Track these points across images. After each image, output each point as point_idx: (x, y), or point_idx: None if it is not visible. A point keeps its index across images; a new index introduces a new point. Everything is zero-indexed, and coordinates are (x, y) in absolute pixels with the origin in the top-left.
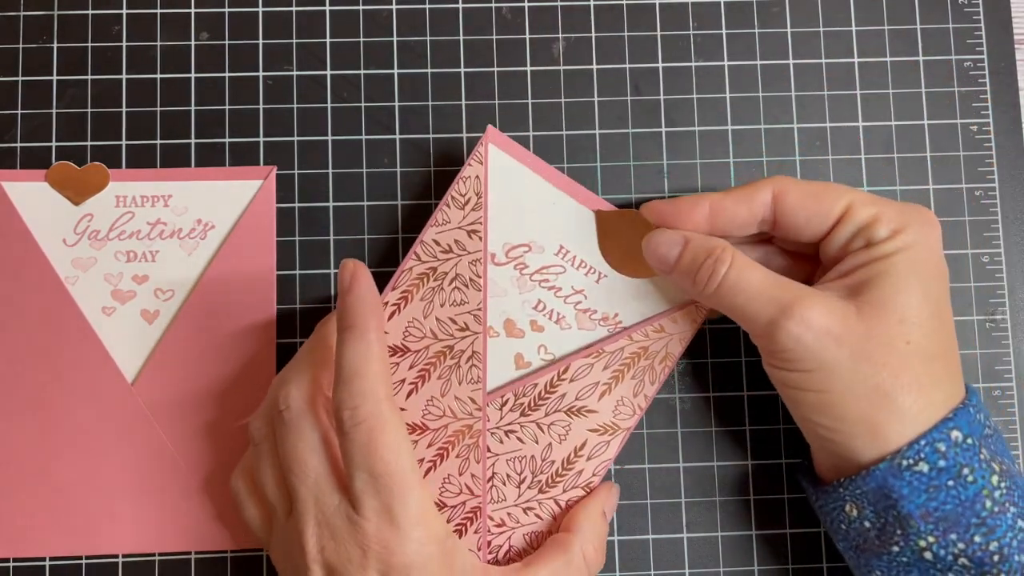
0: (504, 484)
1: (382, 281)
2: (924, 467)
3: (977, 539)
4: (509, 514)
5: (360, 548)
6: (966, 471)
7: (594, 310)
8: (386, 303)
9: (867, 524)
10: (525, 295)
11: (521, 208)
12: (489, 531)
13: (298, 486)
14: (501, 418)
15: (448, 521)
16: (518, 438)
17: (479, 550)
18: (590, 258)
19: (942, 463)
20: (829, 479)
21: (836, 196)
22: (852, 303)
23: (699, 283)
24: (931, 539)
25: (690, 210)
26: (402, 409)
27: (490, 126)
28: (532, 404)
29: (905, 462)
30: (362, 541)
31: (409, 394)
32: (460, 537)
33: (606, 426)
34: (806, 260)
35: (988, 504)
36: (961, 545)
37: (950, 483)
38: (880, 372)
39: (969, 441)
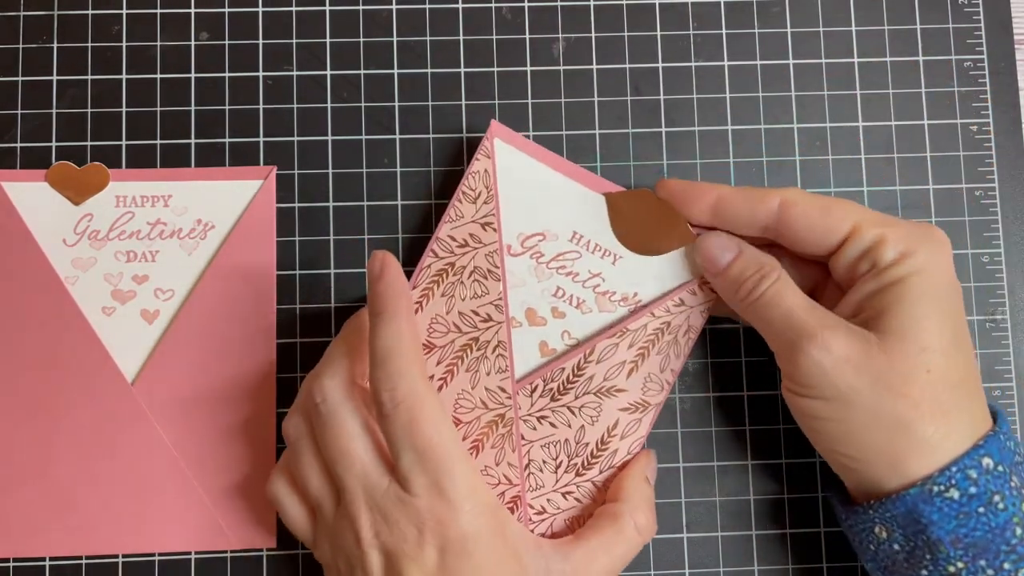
0: (541, 471)
1: None
2: (955, 493)
3: (1007, 566)
4: (549, 500)
5: (415, 527)
6: (997, 498)
7: (613, 291)
8: None
9: (896, 547)
10: (544, 283)
11: (532, 198)
12: (530, 519)
13: (344, 475)
14: (532, 405)
15: None
16: (551, 423)
17: None
18: (604, 241)
19: (973, 490)
20: (859, 500)
21: (843, 214)
22: (874, 333)
23: (741, 292)
24: (960, 564)
25: (700, 195)
26: None
27: (494, 121)
28: (561, 388)
29: (936, 488)
30: (417, 519)
31: (439, 389)
32: None
33: (636, 404)
34: (816, 269)
35: (1018, 531)
36: (990, 572)
37: (980, 510)
38: (900, 402)
39: (1000, 468)
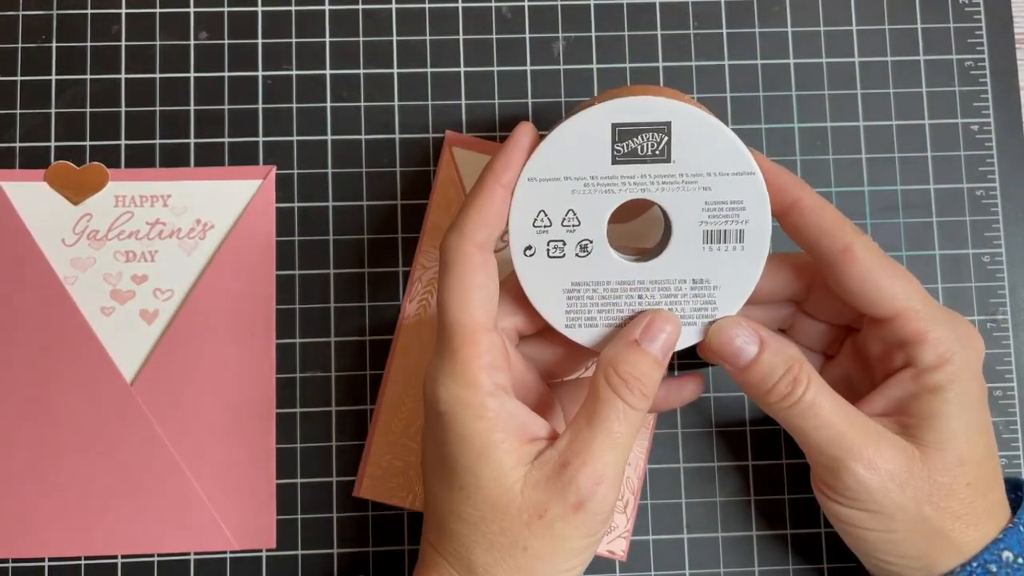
0: None
1: (384, 285)
2: None
3: None
4: None
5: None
6: None
7: None
8: (407, 316)
9: None
10: None
11: None
12: None
13: None
14: None
15: None
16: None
17: None
18: None
19: None
20: None
21: (900, 290)
22: (915, 446)
23: (770, 397)
24: None
25: (782, 187)
26: None
27: (448, 131)
28: None
29: None
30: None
31: None
32: None
33: None
34: (830, 328)
35: None
36: None
37: None
38: (942, 514)
39: (1020, 561)
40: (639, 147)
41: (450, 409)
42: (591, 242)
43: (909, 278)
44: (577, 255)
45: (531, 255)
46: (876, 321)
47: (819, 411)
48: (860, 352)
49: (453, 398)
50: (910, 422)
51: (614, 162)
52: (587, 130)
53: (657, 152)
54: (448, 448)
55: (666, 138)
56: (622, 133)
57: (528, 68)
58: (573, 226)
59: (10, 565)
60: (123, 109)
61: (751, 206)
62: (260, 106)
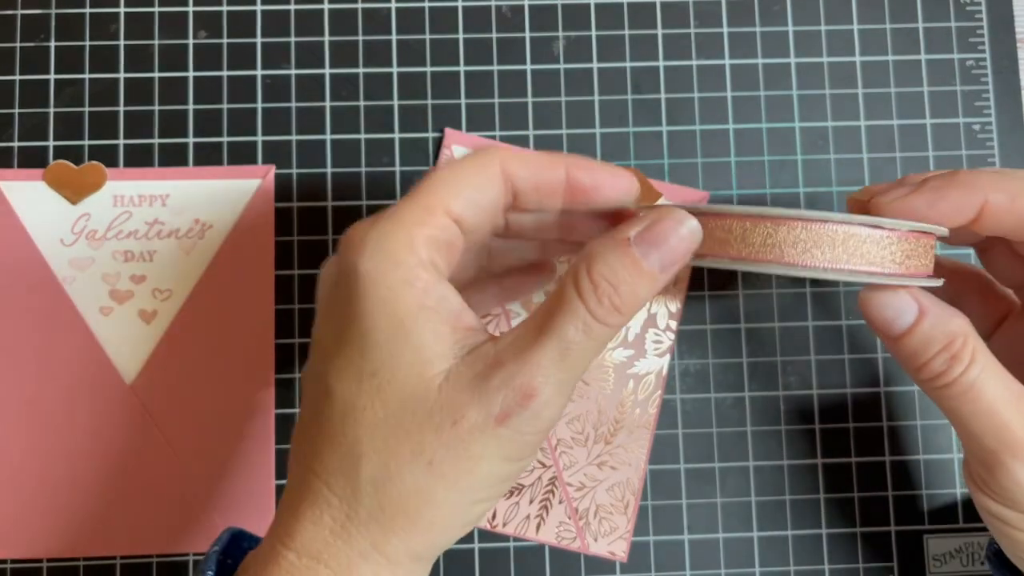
0: (571, 448)
1: None
2: None
3: None
4: (585, 474)
5: None
6: None
7: None
8: None
9: None
10: None
11: None
12: (572, 497)
13: None
14: None
15: (531, 501)
16: (568, 399)
17: (569, 519)
18: None
19: None
20: None
21: None
22: None
23: (923, 373)
24: None
25: (958, 194)
26: None
27: (447, 128)
28: None
29: None
30: None
31: None
32: (547, 511)
33: (644, 362)
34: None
35: None
36: None
37: None
38: None
39: None
40: None
41: (375, 268)
42: None
43: None
44: None
45: None
46: None
47: (979, 395)
48: None
49: (382, 255)
50: None
51: None
52: None
53: None
54: (363, 320)
55: None
56: None
57: (528, 67)
58: None
59: (8, 566)
60: (121, 108)
61: None
62: (259, 105)
